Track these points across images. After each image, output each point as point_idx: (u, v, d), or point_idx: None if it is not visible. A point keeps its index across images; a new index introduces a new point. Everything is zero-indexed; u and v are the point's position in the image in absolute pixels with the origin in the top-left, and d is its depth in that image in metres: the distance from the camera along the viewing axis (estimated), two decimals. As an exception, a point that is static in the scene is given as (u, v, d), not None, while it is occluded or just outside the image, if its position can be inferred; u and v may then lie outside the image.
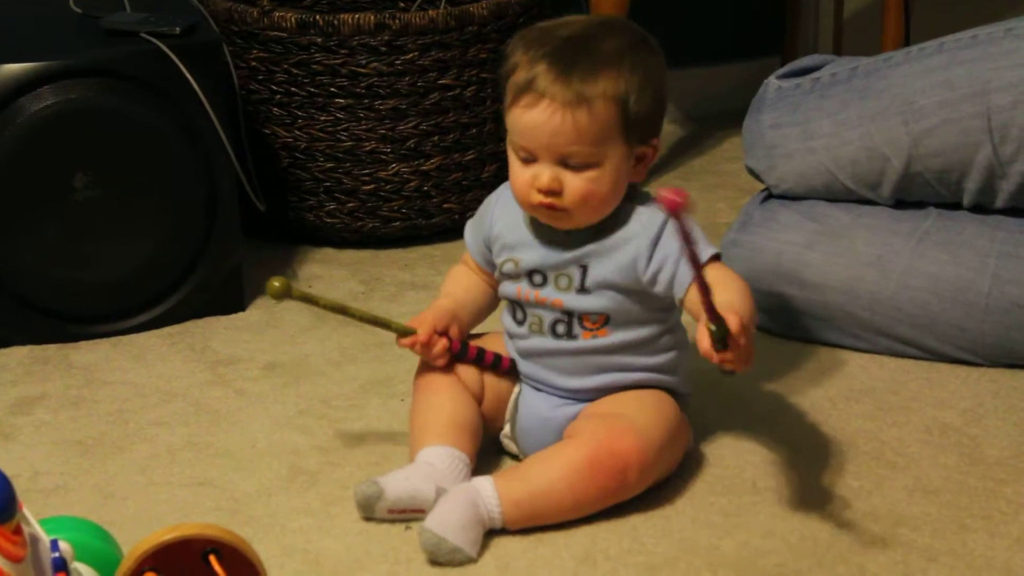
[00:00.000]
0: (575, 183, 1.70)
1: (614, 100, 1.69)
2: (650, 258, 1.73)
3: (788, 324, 2.15)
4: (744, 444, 1.90)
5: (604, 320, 1.77)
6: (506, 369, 1.84)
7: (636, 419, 1.74)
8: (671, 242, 1.72)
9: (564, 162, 1.70)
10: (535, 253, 1.78)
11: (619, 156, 1.71)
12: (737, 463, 1.86)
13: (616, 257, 1.75)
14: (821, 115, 2.14)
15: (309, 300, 1.77)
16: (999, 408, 1.97)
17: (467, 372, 1.83)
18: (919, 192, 2.10)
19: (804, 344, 2.14)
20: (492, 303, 1.90)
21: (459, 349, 1.83)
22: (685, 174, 2.77)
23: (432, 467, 1.74)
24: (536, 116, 1.69)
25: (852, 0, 3.06)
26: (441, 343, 1.81)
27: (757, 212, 2.19)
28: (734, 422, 1.94)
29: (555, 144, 1.69)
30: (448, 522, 1.67)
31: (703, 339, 1.57)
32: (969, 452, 1.87)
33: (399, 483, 1.73)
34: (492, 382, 1.85)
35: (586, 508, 1.72)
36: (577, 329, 1.77)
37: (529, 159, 1.72)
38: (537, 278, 1.78)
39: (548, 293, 1.77)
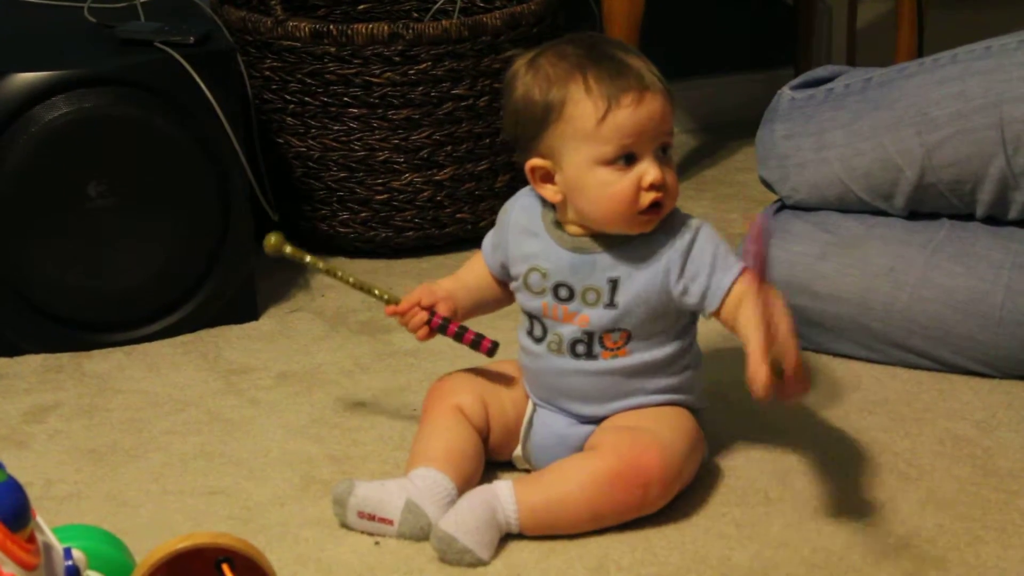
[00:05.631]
0: (670, 175, 1.71)
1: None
2: (682, 269, 1.72)
3: (801, 336, 2.13)
4: (757, 456, 1.90)
5: (626, 339, 1.75)
6: (487, 350, 1.83)
7: (659, 433, 1.73)
8: (703, 253, 1.72)
9: (663, 151, 1.71)
10: (562, 264, 1.75)
11: None
12: (750, 475, 1.86)
13: (647, 270, 1.73)
14: (834, 126, 2.14)
15: (301, 258, 1.90)
16: (1012, 420, 1.97)
17: (472, 405, 1.82)
18: (932, 203, 2.10)
19: (816, 355, 2.14)
20: (500, 299, 1.88)
21: (439, 324, 1.83)
22: (698, 184, 2.76)
23: (411, 483, 1.73)
24: (647, 107, 1.68)
25: (865, 11, 3.06)
26: (419, 316, 1.82)
27: (770, 223, 2.19)
28: (747, 434, 1.94)
29: (662, 132, 1.70)
30: (462, 522, 1.67)
31: (758, 376, 1.59)
32: (982, 464, 1.87)
33: (371, 487, 1.73)
34: (498, 413, 1.83)
35: (604, 520, 1.72)
36: (597, 349, 1.76)
37: (630, 161, 1.69)
38: (563, 292, 1.75)
39: (575, 308, 1.75)
